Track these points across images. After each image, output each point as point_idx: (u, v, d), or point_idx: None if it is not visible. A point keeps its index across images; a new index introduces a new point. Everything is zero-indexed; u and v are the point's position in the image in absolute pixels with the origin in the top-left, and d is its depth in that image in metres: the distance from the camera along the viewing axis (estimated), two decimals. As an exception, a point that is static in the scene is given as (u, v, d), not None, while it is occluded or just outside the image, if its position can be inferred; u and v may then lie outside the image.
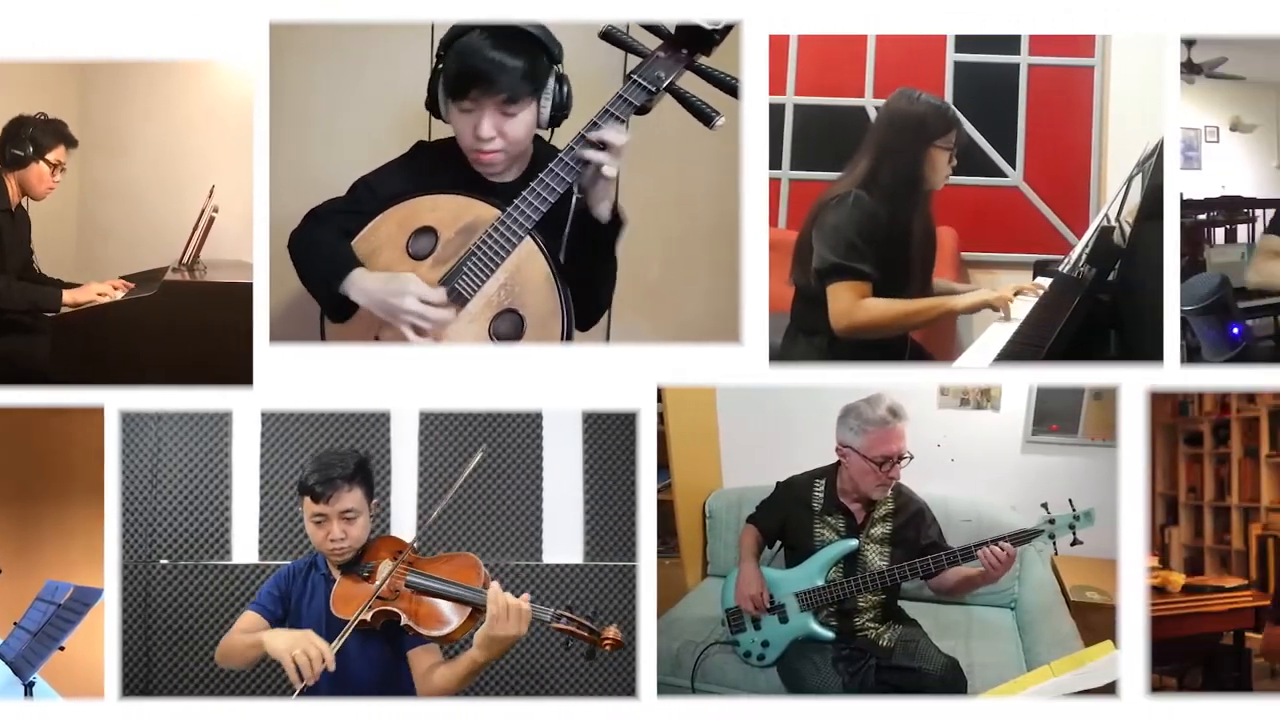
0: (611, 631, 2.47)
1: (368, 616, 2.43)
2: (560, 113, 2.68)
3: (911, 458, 2.95)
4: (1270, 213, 4.72)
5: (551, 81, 2.64)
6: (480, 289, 2.65)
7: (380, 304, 2.62)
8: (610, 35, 2.65)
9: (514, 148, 2.66)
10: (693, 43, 2.60)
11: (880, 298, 2.94)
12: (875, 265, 2.92)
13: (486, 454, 2.91)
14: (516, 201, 2.62)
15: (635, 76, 2.60)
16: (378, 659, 2.52)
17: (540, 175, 2.62)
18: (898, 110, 3.06)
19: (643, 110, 2.61)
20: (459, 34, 2.62)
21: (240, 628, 2.51)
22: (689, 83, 2.63)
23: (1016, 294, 3.27)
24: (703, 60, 2.62)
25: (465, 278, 2.64)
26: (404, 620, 2.44)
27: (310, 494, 2.50)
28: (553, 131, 2.72)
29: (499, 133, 2.61)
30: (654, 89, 2.58)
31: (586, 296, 2.75)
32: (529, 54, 2.60)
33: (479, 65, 2.57)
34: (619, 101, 2.59)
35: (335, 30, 2.93)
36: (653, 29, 2.64)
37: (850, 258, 2.90)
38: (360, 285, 2.63)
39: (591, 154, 2.56)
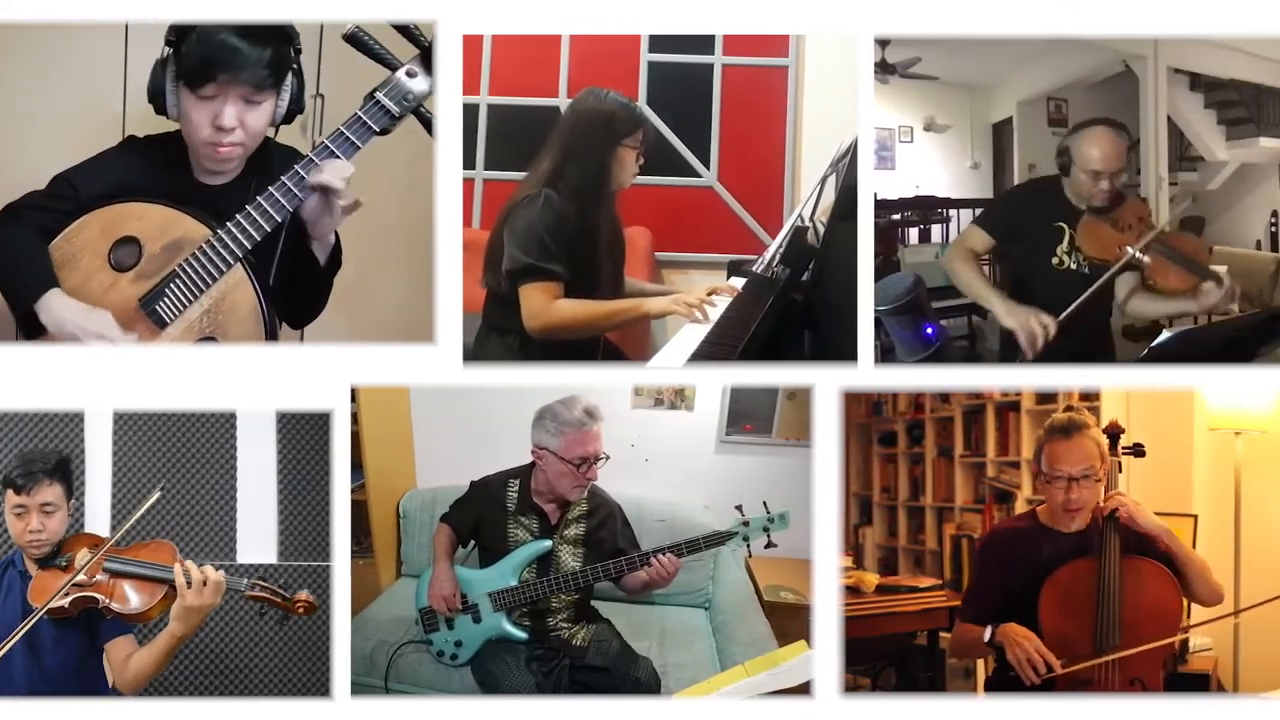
0: (303, 595, 2.77)
1: (65, 603, 2.65)
2: (295, 108, 2.82)
3: (608, 458, 3.19)
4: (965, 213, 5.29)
5: (290, 76, 2.79)
6: (182, 314, 2.76)
7: (69, 336, 2.73)
8: (355, 39, 2.77)
9: (252, 142, 2.78)
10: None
11: (572, 298, 3.16)
12: (566, 265, 3.14)
13: (165, 491, 3.01)
14: (229, 225, 2.74)
15: (379, 96, 2.76)
16: (75, 648, 2.73)
17: (259, 200, 2.74)
18: (585, 109, 3.27)
19: (384, 132, 2.78)
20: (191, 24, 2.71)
21: None
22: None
23: (710, 293, 3.55)
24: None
25: (167, 301, 2.74)
26: (102, 602, 2.67)
27: (12, 486, 2.71)
28: (277, 130, 2.86)
29: (240, 123, 2.72)
30: (398, 113, 2.75)
31: (291, 321, 2.95)
32: (275, 42, 2.72)
33: (225, 51, 2.66)
34: (357, 125, 2.75)
35: (24, 29, 3.05)
36: (399, 27, 2.79)
37: (542, 258, 3.12)
38: (54, 311, 2.72)
39: (321, 178, 2.73)
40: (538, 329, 3.15)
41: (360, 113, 2.78)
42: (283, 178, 2.75)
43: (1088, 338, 3.48)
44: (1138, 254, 3.31)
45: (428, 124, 2.82)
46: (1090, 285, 3.30)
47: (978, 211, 4.53)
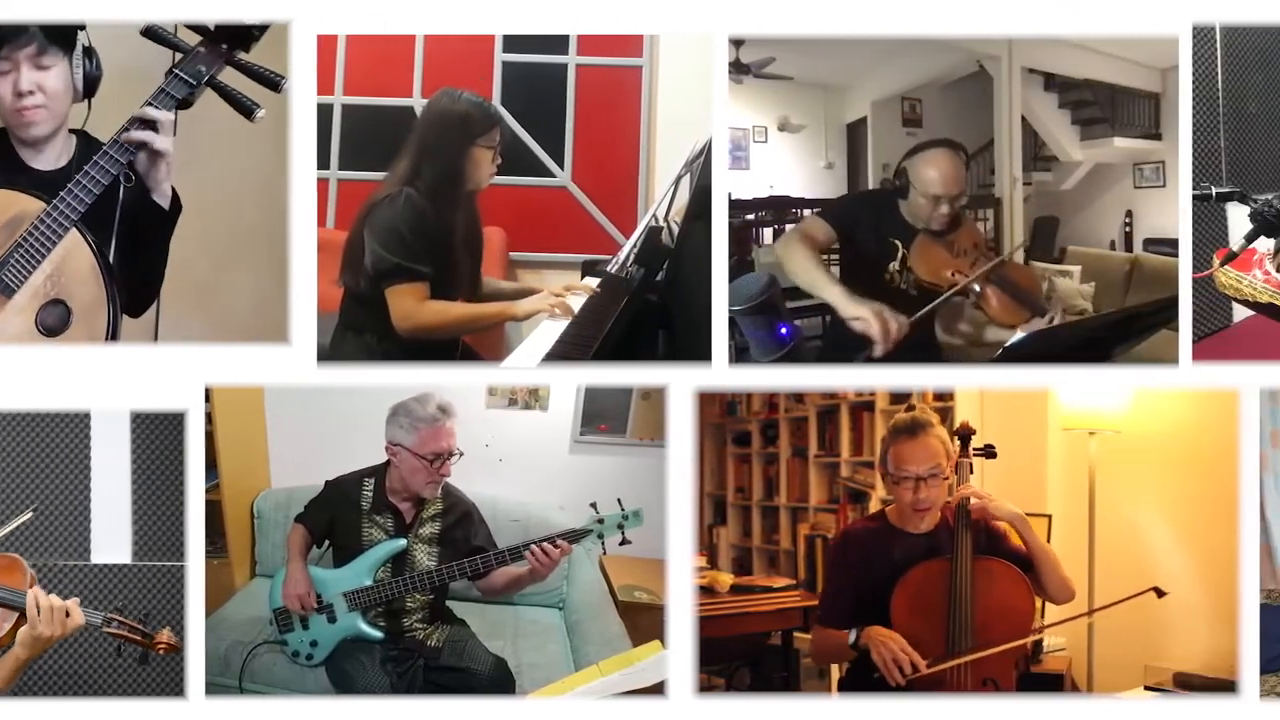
0: (165, 635, 2.81)
1: None
2: (92, 83, 2.98)
3: (462, 454, 3.31)
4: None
5: (80, 50, 2.94)
6: (27, 281, 2.90)
7: None
8: (152, 33, 2.99)
9: (54, 103, 2.94)
10: (233, 39, 2.98)
11: (436, 299, 3.29)
12: (429, 265, 3.27)
13: (34, 513, 3.12)
14: (62, 194, 2.90)
15: (177, 71, 2.95)
16: None
17: (85, 168, 2.91)
18: (440, 109, 3.40)
19: (185, 104, 2.95)
20: None
21: None
22: (231, 78, 2.99)
23: (566, 290, 3.67)
24: (243, 56, 2.99)
25: (11, 270, 2.89)
26: None
27: None
28: (89, 109, 3.00)
29: (38, 87, 2.90)
30: (195, 82, 2.94)
31: (136, 284, 3.02)
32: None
33: (4, 28, 2.88)
34: (160, 95, 2.94)
35: None
36: (194, 27, 3.00)
37: (407, 258, 3.24)
38: None
39: (138, 134, 2.89)
40: (409, 330, 3.26)
41: (163, 85, 2.98)
42: (104, 146, 2.95)
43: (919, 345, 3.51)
44: (973, 285, 3.42)
45: (229, 98, 3.00)
46: (916, 308, 3.37)
47: (826, 207, 4.65)
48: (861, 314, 3.29)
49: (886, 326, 3.25)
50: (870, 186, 4.57)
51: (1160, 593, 3.24)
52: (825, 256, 3.61)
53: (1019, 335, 3.12)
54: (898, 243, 3.51)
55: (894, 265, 3.52)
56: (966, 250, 3.53)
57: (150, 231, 3.02)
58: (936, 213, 3.49)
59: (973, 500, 3.12)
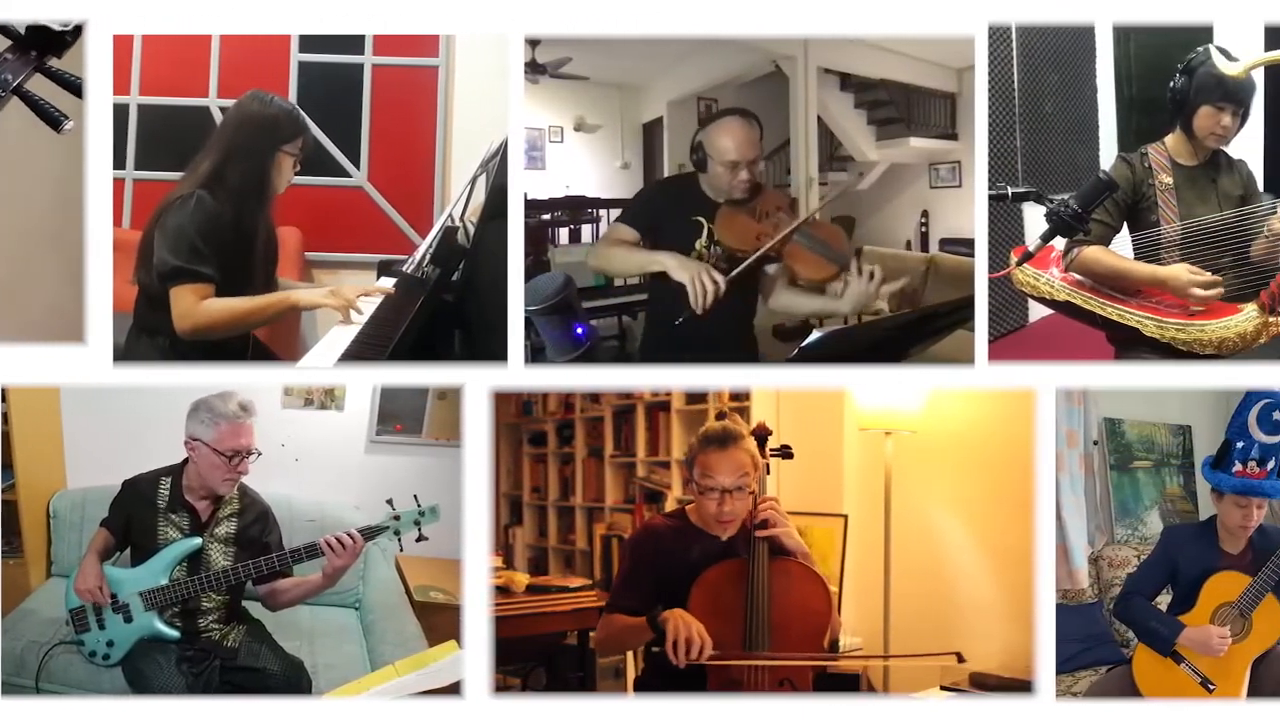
0: None
1: None
2: None
3: (260, 454, 3.38)
4: (615, 213, 5.50)
5: None
6: None
7: None
8: None
9: None
10: (44, 45, 2.89)
11: (222, 298, 3.32)
12: (218, 267, 3.31)
13: None
14: None
15: None
16: None
17: None
18: (248, 112, 3.45)
19: None
20: None
21: None
22: (37, 84, 2.90)
23: (360, 295, 3.67)
24: (54, 62, 2.90)
25: None
26: None
27: None
28: None
29: None
30: (1, 91, 2.86)
31: None
32: None
33: None
34: None
35: None
36: (2, 30, 2.92)
37: (192, 260, 3.28)
38: None
39: None
40: (187, 330, 3.31)
41: None
42: None
43: (732, 335, 3.67)
44: (780, 244, 3.48)
45: (36, 108, 2.92)
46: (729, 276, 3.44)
47: (612, 215, 4.83)
48: (684, 278, 3.43)
49: (704, 291, 3.39)
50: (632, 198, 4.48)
51: (961, 659, 3.25)
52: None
53: (815, 335, 3.07)
54: (701, 219, 3.59)
55: (701, 242, 3.59)
56: (770, 213, 3.61)
57: None
58: (736, 180, 3.59)
59: (768, 524, 3.17)
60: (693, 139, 3.67)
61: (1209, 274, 3.26)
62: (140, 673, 3.32)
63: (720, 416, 3.32)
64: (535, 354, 3.61)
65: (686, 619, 2.98)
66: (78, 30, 2.97)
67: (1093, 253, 3.34)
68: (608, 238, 3.76)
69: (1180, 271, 3.28)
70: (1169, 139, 3.44)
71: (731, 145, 3.57)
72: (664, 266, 3.50)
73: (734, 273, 3.44)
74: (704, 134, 3.63)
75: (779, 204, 3.65)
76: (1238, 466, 3.29)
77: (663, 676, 3.11)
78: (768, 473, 3.30)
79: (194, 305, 3.31)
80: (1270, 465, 3.28)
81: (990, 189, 3.43)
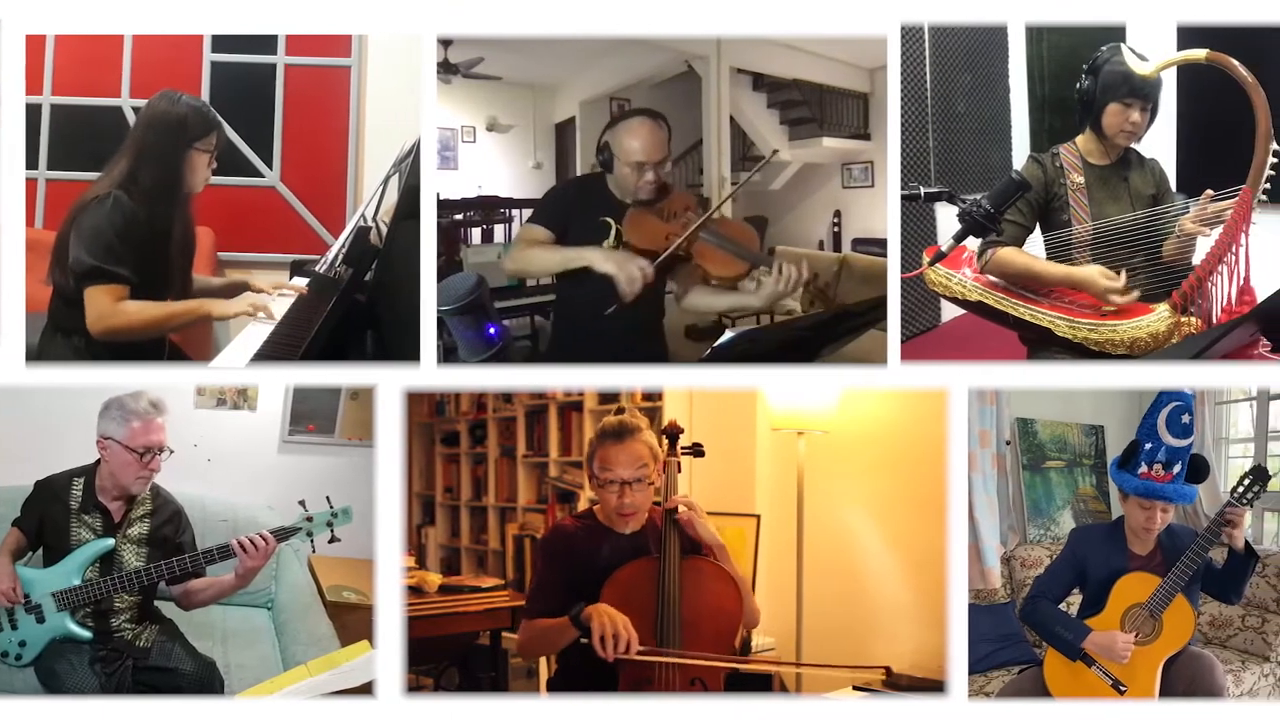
0: None
1: None
2: None
3: (172, 451, 3.38)
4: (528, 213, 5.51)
5: None
6: None
7: None
8: None
9: None
10: None
11: (139, 300, 3.35)
12: (134, 268, 3.33)
13: None
14: None
15: None
16: None
17: None
18: (158, 111, 3.47)
19: None
20: None
21: None
22: None
23: (274, 289, 3.78)
24: None
25: None
26: None
27: None
28: None
29: None
30: None
31: None
32: None
33: None
34: None
35: None
36: None
37: (107, 260, 3.30)
38: None
39: None
40: (102, 331, 3.34)
41: None
42: None
43: (642, 336, 3.70)
44: (688, 243, 3.50)
45: None
46: None
47: (525, 214, 4.66)
48: (610, 269, 3.46)
49: (633, 279, 3.42)
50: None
51: (890, 673, 3.36)
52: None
53: (727, 335, 3.05)
54: (609, 220, 3.59)
55: (609, 242, 3.58)
56: (678, 213, 3.62)
57: None
58: (642, 181, 3.60)
59: (680, 510, 3.20)
60: (599, 139, 3.69)
61: (1123, 278, 3.29)
62: (53, 673, 3.31)
63: (619, 411, 3.32)
64: (448, 354, 3.61)
65: (610, 613, 3.00)
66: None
67: (1007, 254, 3.38)
68: (521, 239, 3.75)
69: (1094, 274, 3.32)
70: (1080, 138, 3.48)
71: (638, 146, 3.59)
72: (587, 261, 3.52)
73: (658, 260, 3.47)
74: (610, 134, 3.66)
75: (687, 204, 3.68)
76: (1143, 468, 3.27)
77: (575, 676, 3.14)
78: (679, 471, 3.31)
79: (109, 306, 3.33)
80: (1176, 469, 3.26)
81: (903, 189, 3.43)
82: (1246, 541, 3.27)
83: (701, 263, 3.60)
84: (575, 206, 3.70)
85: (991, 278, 3.45)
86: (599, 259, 3.49)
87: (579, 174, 6.67)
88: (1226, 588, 3.34)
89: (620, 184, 3.66)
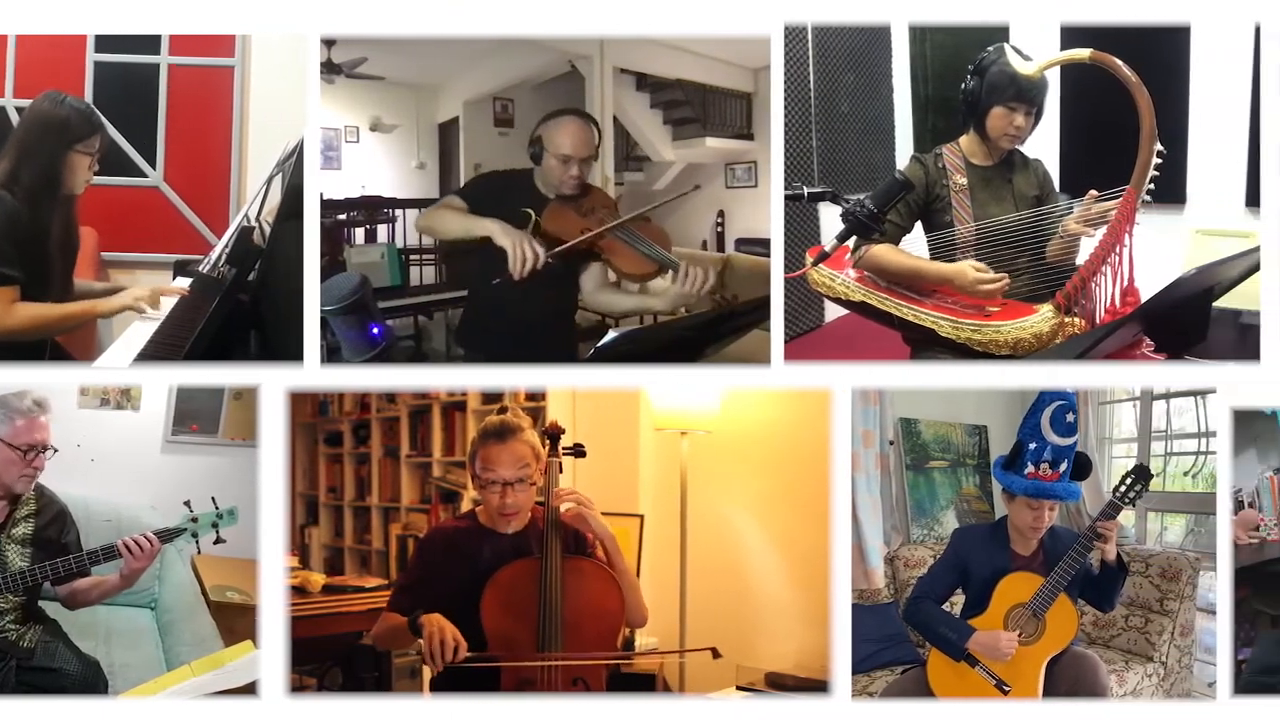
0: None
1: None
2: None
3: (56, 450, 3.37)
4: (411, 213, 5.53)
5: None
6: None
7: None
8: None
9: None
10: None
11: (26, 301, 3.38)
12: (21, 268, 3.36)
13: None
14: None
15: None
16: None
17: None
18: (40, 112, 3.50)
19: None
20: None
21: None
22: None
23: (155, 292, 3.74)
24: None
25: None
26: None
27: None
28: None
29: None
30: None
31: None
32: None
33: None
34: None
35: None
36: None
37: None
38: None
39: None
40: None
41: None
42: None
43: (551, 329, 3.80)
44: (599, 240, 3.56)
45: None
46: (555, 271, 3.53)
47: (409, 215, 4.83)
48: (505, 244, 3.48)
49: (524, 258, 3.45)
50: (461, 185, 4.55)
51: (716, 654, 3.29)
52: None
53: (610, 335, 3.04)
54: (529, 210, 3.63)
55: (527, 231, 3.59)
56: (595, 209, 3.71)
57: None
58: (567, 175, 3.69)
59: (565, 508, 3.22)
60: (532, 132, 3.77)
61: (992, 270, 3.33)
62: (-64, 674, 3.26)
63: (501, 411, 3.33)
64: (331, 354, 3.61)
65: (441, 623, 3.01)
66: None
67: (880, 250, 3.42)
68: (439, 203, 3.83)
69: (965, 268, 3.36)
70: (963, 139, 3.52)
71: (567, 141, 3.69)
72: (488, 232, 3.56)
73: (557, 250, 3.54)
74: (544, 128, 3.74)
75: (605, 203, 3.77)
76: (1030, 468, 3.28)
77: (458, 676, 3.12)
78: (560, 471, 3.32)
79: (4, 309, 3.36)
80: (1062, 467, 3.27)
81: (786, 189, 3.39)
82: (1119, 554, 3.31)
83: (610, 259, 3.68)
84: (498, 194, 3.76)
85: (874, 278, 3.49)
86: (498, 231, 3.54)
87: (464, 175, 6.72)
88: (1100, 597, 3.40)
89: (546, 177, 3.76)
